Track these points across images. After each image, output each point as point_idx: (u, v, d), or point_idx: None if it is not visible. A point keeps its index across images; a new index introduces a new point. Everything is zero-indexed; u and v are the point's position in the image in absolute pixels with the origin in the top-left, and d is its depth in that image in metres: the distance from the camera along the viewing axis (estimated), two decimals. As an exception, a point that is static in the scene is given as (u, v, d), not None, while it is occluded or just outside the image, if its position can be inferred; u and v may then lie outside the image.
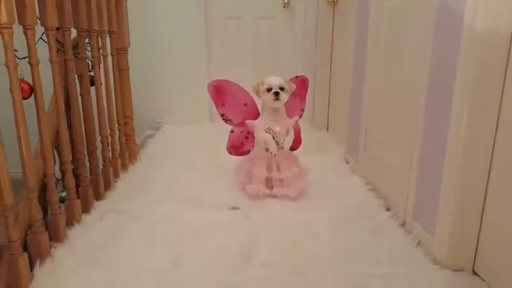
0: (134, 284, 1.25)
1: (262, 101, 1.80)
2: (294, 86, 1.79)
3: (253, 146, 1.87)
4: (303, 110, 1.92)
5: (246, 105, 1.84)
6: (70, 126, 1.74)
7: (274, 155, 1.75)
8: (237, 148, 1.92)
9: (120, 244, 1.46)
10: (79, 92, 1.77)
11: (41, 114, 1.40)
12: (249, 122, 1.82)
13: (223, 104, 1.82)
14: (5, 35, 1.18)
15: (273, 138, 1.76)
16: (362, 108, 2.10)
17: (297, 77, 1.89)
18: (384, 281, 1.23)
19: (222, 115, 1.84)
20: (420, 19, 1.47)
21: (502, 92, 1.16)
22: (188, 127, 3.12)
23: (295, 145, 1.91)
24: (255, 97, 1.84)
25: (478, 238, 1.27)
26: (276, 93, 1.71)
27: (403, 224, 1.58)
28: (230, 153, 1.93)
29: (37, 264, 1.30)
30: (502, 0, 1.11)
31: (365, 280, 1.24)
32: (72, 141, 1.72)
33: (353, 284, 1.23)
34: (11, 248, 1.21)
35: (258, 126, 1.79)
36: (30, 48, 1.33)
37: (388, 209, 1.71)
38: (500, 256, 1.19)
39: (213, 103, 1.85)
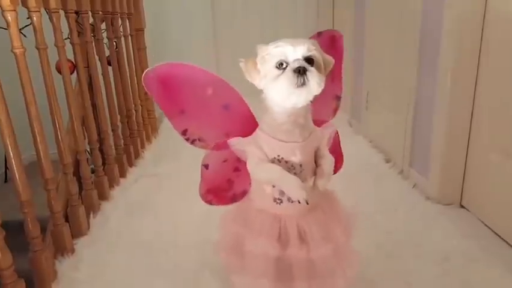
0: (176, 229, 1.47)
1: (266, 95, 0.86)
2: (331, 59, 0.88)
3: (250, 184, 0.99)
4: (339, 98, 1.05)
5: (226, 107, 0.92)
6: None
7: (307, 203, 0.86)
8: (221, 191, 1.03)
9: (157, 200, 1.69)
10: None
11: (83, 89, 1.61)
12: (234, 141, 0.93)
13: (181, 112, 0.90)
14: (54, 18, 1.39)
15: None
16: (363, 74, 2.30)
17: (319, 33, 1.02)
18: (386, 215, 1.46)
19: (184, 132, 0.92)
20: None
21: (480, 52, 1.36)
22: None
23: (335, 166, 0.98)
24: (245, 88, 0.90)
25: (464, 177, 1.49)
26: (302, 71, 0.79)
27: (401, 172, 1.81)
28: (209, 202, 1.04)
29: (91, 216, 1.53)
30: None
31: (370, 216, 1.46)
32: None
33: (362, 219, 1.45)
34: (54, 218, 1.30)
35: (253, 151, 0.89)
36: (71, 30, 1.53)
37: (388, 161, 1.94)
38: (481, 191, 1.42)
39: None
